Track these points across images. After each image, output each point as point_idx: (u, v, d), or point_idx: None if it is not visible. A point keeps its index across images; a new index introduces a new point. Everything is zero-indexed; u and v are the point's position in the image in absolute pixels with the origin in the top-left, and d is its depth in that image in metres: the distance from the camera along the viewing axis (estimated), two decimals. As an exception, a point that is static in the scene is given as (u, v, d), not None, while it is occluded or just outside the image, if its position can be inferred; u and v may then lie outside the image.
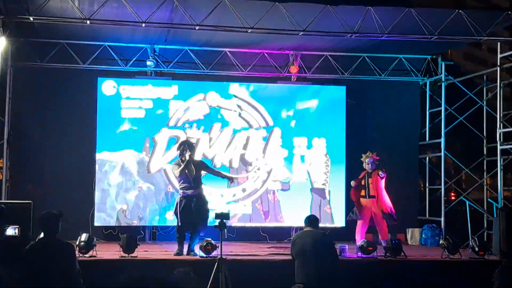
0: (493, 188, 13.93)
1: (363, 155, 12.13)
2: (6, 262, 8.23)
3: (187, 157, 10.69)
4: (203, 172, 11.04)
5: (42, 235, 8.86)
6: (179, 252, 10.57)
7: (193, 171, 10.68)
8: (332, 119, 13.88)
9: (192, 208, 10.66)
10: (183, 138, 13.09)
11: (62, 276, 6.79)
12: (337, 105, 13.95)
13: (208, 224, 10.58)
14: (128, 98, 13.20)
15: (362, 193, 11.91)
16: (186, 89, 13.49)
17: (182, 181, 10.76)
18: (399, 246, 10.85)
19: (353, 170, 13.02)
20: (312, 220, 8.39)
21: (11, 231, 9.65)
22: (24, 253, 6.87)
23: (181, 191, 10.77)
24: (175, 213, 10.79)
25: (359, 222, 11.89)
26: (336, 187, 13.75)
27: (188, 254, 10.54)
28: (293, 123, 13.77)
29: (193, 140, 11.91)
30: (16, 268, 7.12)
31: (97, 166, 12.93)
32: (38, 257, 6.81)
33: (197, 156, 11.99)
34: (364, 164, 11.96)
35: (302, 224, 13.12)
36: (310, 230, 8.24)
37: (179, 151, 10.90)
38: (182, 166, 10.67)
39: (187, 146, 10.87)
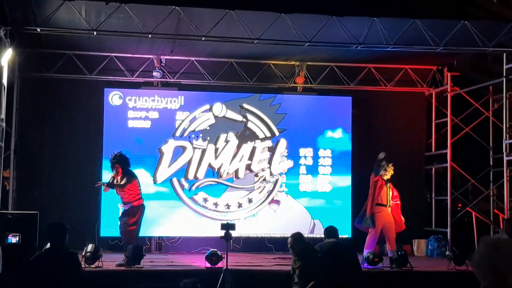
0: (499, 199, 13.88)
1: (385, 162, 11.65)
2: (9, 268, 8.27)
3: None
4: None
5: (48, 245, 8.87)
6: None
7: None
8: (338, 130, 13.88)
9: None
10: (189, 147, 13.16)
11: (68, 285, 6.82)
12: (342, 115, 13.96)
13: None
14: (134, 108, 13.26)
15: (380, 201, 11.48)
16: (192, 100, 13.52)
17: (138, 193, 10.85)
18: (405, 258, 10.83)
19: (358, 180, 13.00)
20: (335, 231, 8.41)
21: (12, 239, 9.67)
22: (30, 262, 6.90)
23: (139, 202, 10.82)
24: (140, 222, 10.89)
25: (371, 232, 11.65)
26: (342, 198, 13.74)
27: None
28: (299, 134, 13.78)
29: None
30: (21, 277, 7.16)
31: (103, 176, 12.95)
32: (44, 266, 6.84)
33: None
34: (382, 170, 11.50)
35: (309, 234, 13.28)
36: (335, 241, 8.26)
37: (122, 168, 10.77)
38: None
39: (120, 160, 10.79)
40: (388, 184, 11.47)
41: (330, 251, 8.00)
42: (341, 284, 7.76)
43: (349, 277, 7.92)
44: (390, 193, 11.45)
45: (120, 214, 10.91)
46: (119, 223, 10.78)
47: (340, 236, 10.58)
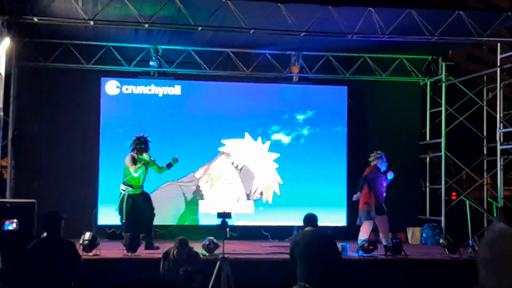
0: (493, 187, 14.00)
1: (375, 152, 11.81)
2: (6, 257, 8.35)
3: (147, 158, 11.00)
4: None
5: (45, 234, 8.92)
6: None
7: (147, 171, 11.13)
8: (333, 119, 13.96)
9: (143, 206, 11.14)
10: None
11: (64, 274, 6.89)
12: (338, 105, 14.03)
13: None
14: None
15: None
16: (189, 89, 13.58)
17: (137, 178, 11.02)
18: (400, 245, 10.94)
19: (354, 170, 13.09)
20: (312, 219, 8.09)
21: (9, 225, 9.70)
22: (27, 251, 6.98)
23: (130, 188, 11.04)
24: (121, 210, 11.07)
25: (366, 222, 11.76)
26: (338, 187, 13.82)
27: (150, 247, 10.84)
28: (294, 124, 13.85)
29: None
30: (19, 266, 7.24)
31: (100, 165, 13.02)
32: (40, 255, 6.91)
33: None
34: (374, 161, 11.69)
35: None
36: (312, 229, 7.98)
37: (136, 148, 11.06)
38: (141, 165, 10.96)
39: (146, 145, 11.08)
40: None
41: (305, 241, 7.86)
42: (321, 274, 7.69)
43: (329, 267, 7.78)
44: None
45: (146, 201, 11.10)
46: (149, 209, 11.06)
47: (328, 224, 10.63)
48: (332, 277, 7.79)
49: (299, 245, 7.84)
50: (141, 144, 11.12)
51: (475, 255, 3.05)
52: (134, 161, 10.97)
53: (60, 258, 6.87)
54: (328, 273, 7.75)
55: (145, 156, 10.98)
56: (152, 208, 11.20)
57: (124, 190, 11.03)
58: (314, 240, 7.84)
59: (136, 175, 10.97)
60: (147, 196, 11.22)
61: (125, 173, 11.07)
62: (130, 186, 11.02)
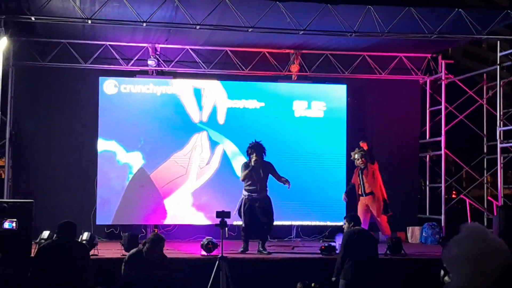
0: (493, 186, 13.97)
1: (351, 153, 12.12)
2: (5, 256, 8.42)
3: (253, 163, 11.01)
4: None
5: (44, 234, 9.03)
6: (244, 250, 11.02)
7: (260, 175, 11.04)
8: (332, 118, 13.89)
9: (257, 211, 11.04)
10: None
11: (76, 273, 7.07)
12: (337, 103, 13.97)
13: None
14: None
15: (359, 191, 11.88)
16: (188, 88, 13.52)
17: (249, 183, 11.07)
18: (399, 244, 10.91)
19: (353, 169, 13.05)
20: (358, 219, 8.90)
21: (8, 224, 9.65)
22: (40, 250, 7.19)
23: (246, 192, 11.08)
24: (239, 214, 11.14)
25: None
26: (337, 186, 13.76)
27: (259, 252, 10.95)
28: (293, 122, 13.79)
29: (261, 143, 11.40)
30: (29, 265, 7.41)
31: (98, 165, 12.97)
32: (54, 254, 7.10)
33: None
34: (355, 162, 11.95)
35: (303, 222, 13.39)
36: (360, 228, 8.72)
37: (247, 154, 11.18)
38: (247, 171, 10.99)
39: (253, 149, 11.11)
40: (361, 172, 11.85)
41: (357, 238, 8.40)
42: (363, 270, 8.19)
43: (374, 262, 8.46)
44: (364, 181, 11.78)
45: (262, 206, 11.12)
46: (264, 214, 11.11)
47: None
48: (376, 276, 8.34)
49: (352, 241, 8.39)
50: (249, 149, 11.20)
51: (442, 255, 3.15)
52: (244, 168, 11.14)
53: (74, 257, 7.10)
54: (373, 271, 8.31)
55: (253, 160, 11.04)
56: (269, 213, 11.15)
57: (244, 195, 11.16)
58: (364, 239, 8.48)
59: (243, 181, 11.09)
60: (264, 201, 11.16)
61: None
62: (247, 191, 11.12)
